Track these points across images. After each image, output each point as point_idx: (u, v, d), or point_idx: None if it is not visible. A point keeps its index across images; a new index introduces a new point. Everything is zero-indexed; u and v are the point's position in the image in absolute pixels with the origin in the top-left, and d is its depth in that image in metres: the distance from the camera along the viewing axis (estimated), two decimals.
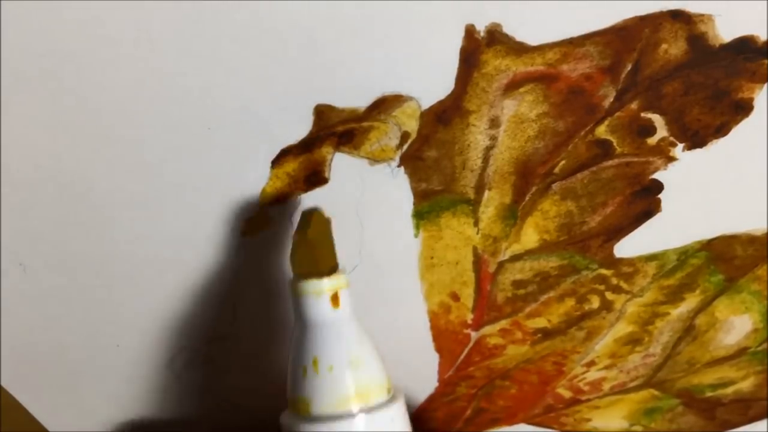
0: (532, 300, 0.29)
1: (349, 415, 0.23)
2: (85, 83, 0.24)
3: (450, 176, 0.27)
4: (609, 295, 0.29)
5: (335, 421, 0.23)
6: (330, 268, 0.24)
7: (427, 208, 0.27)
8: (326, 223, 0.24)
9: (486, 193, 0.27)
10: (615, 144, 0.26)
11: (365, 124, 0.25)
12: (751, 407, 0.33)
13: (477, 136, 0.26)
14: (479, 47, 0.24)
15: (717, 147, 0.27)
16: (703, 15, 0.24)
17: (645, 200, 0.28)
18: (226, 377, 0.30)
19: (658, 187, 0.27)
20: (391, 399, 0.24)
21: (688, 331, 0.31)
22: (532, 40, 0.24)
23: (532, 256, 0.28)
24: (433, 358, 0.31)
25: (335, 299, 0.23)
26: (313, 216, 0.24)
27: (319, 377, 0.23)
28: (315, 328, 0.23)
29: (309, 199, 0.26)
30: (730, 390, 0.32)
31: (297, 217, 0.26)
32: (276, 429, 0.24)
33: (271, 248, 0.27)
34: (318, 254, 0.24)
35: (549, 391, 0.32)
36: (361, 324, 0.24)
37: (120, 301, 0.28)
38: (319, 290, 0.23)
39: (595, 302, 0.30)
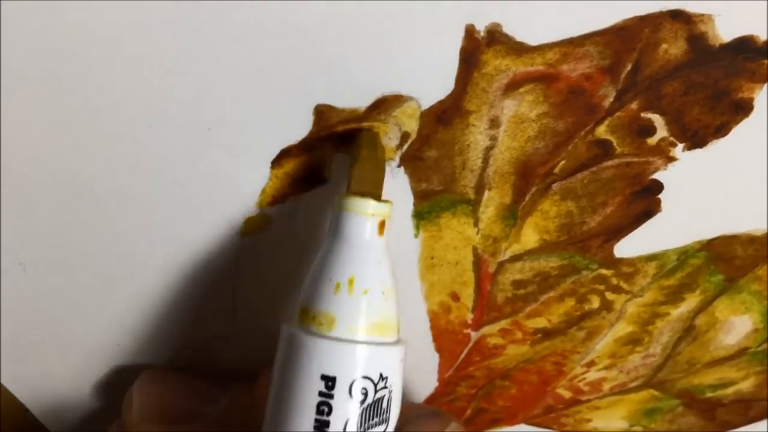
0: (532, 300, 0.29)
1: (370, 343, 0.23)
2: (85, 83, 0.24)
3: (450, 176, 0.27)
4: (609, 295, 0.29)
5: (358, 346, 0.22)
6: (381, 195, 0.24)
7: (427, 208, 0.27)
8: (385, 150, 0.24)
9: (486, 194, 0.27)
10: (615, 144, 0.26)
11: (365, 124, 0.25)
12: (751, 408, 0.33)
13: (477, 136, 0.26)
14: (479, 47, 0.24)
15: (717, 147, 0.27)
16: (703, 15, 0.24)
17: (645, 200, 0.27)
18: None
19: (658, 187, 0.27)
20: (399, 340, 0.24)
21: (688, 331, 0.31)
22: (532, 40, 0.24)
23: (532, 257, 0.28)
24: (433, 358, 0.31)
25: (382, 226, 0.23)
26: (378, 140, 0.24)
27: (352, 297, 0.23)
28: (357, 248, 0.23)
29: (309, 199, 0.26)
30: (730, 390, 0.32)
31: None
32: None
33: (271, 248, 0.27)
34: (381, 177, 0.24)
35: (549, 392, 0.32)
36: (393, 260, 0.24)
37: (120, 301, 0.28)
38: (372, 212, 0.23)
39: (595, 302, 0.30)
